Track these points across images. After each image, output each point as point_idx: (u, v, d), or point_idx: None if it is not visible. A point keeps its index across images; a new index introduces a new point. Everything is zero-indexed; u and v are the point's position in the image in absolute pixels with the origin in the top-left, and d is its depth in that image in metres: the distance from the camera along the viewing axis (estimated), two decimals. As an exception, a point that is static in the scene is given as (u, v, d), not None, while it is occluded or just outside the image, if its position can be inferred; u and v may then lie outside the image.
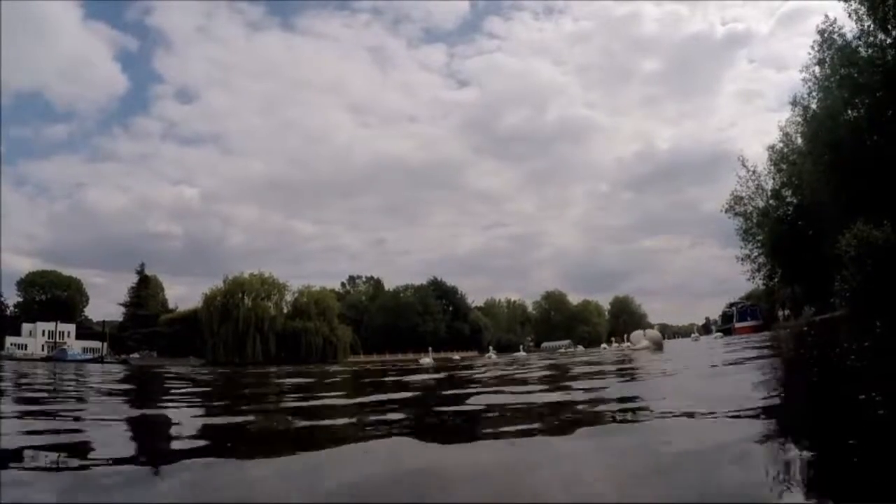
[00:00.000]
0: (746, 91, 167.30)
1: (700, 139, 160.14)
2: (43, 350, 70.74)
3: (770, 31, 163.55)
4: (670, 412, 3.81)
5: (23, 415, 5.23)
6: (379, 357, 70.18)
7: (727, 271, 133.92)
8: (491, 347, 37.83)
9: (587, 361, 14.37)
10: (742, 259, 38.89)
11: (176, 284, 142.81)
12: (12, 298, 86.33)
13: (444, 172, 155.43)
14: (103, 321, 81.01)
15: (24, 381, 11.84)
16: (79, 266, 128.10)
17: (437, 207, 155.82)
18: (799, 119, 32.62)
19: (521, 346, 53.87)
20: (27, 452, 3.10)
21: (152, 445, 3.78)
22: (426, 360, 29.46)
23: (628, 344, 31.10)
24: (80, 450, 3.30)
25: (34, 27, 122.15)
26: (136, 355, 68.58)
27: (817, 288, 32.07)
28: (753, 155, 50.27)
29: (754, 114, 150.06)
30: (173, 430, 4.27)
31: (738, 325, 48.80)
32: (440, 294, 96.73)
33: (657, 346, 21.03)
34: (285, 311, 71.04)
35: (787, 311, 44.17)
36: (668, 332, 78.96)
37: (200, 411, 5.97)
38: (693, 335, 41.60)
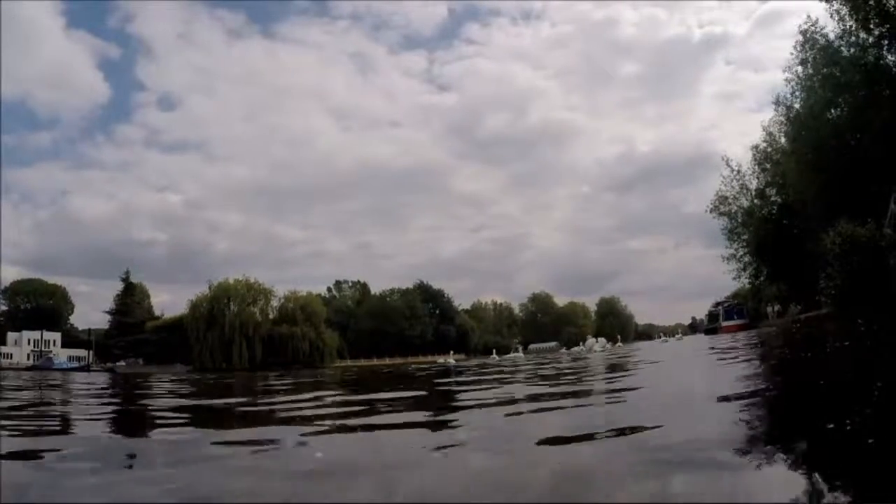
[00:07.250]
0: (725, 93, 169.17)
1: (681, 141, 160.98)
2: (28, 359, 69.84)
3: (747, 32, 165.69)
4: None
5: None
6: (367, 362, 69.72)
7: (712, 271, 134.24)
8: (495, 351, 37.59)
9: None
10: (727, 258, 39.09)
11: (161, 291, 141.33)
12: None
13: (427, 176, 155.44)
14: (89, 329, 79.77)
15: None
16: (64, 274, 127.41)
17: (422, 211, 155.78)
18: (782, 119, 32.83)
19: (514, 349, 53.67)
20: None
21: None
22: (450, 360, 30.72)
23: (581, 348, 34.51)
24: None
25: (17, 35, 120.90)
26: (122, 363, 67.77)
27: (803, 286, 32.16)
28: (734, 156, 50.52)
29: (734, 115, 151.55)
30: None
31: (724, 323, 48.97)
32: (426, 297, 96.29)
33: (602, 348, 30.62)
34: (271, 316, 70.73)
35: (776, 308, 44.31)
36: (655, 332, 79.64)
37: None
38: (676, 335, 42.01)
